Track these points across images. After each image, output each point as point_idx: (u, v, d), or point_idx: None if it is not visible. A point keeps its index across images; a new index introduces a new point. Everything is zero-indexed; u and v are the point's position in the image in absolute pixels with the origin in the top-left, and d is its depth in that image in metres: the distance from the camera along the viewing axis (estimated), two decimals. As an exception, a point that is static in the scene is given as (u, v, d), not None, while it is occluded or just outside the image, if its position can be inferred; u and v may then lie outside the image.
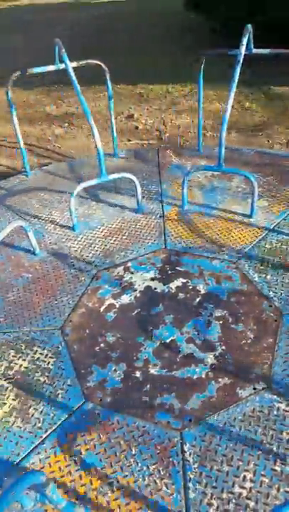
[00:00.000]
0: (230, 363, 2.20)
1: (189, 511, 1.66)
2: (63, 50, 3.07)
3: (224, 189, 3.55)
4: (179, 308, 2.51)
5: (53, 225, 3.30)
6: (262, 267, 2.75)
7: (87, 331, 2.42)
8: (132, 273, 2.79)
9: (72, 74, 3.04)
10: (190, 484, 1.74)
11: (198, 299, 2.56)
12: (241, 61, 3.00)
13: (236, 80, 2.95)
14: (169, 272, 2.77)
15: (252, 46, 3.25)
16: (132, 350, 2.30)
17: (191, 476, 1.76)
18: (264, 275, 2.69)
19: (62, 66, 3.27)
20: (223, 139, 3.00)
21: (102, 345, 2.34)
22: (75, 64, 3.32)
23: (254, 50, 3.28)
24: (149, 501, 1.70)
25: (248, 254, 2.86)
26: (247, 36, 3.03)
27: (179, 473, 1.78)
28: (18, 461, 1.86)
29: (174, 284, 2.67)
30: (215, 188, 3.56)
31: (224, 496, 1.70)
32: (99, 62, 3.65)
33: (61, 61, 3.17)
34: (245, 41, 3.02)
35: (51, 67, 3.41)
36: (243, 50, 3.02)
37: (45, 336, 2.41)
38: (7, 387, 2.16)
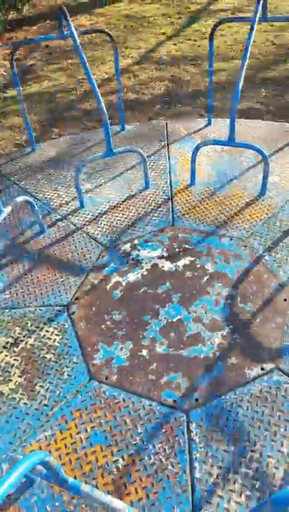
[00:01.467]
0: (238, 342, 2.16)
1: (195, 490, 1.66)
2: (69, 18, 2.93)
3: (234, 164, 3.44)
4: (187, 287, 2.47)
5: (59, 201, 3.24)
6: (272, 245, 2.68)
7: (94, 309, 2.40)
8: (139, 250, 2.74)
9: (78, 43, 2.91)
10: (196, 464, 1.73)
11: (206, 278, 2.51)
12: (255, 28, 2.86)
13: (249, 48, 2.80)
14: (177, 249, 2.71)
15: (267, 13, 3.09)
16: (138, 328, 2.27)
17: (197, 456, 1.76)
18: (274, 253, 2.62)
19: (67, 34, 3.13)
20: (234, 112, 2.87)
21: (108, 323, 2.32)
22: (80, 33, 3.18)
23: (268, 17, 3.12)
24: (154, 479, 1.70)
25: (257, 232, 2.79)
26: (261, 3, 2.87)
27: (184, 452, 1.77)
28: (24, 438, 1.87)
29: (182, 263, 2.62)
30: (225, 163, 3.46)
31: (230, 475, 1.69)
32: (106, 31, 3.50)
33: (66, 29, 3.04)
34: (259, 8, 2.87)
35: (56, 36, 3.27)
36: (257, 16, 2.87)
37: (52, 314, 2.39)
38: (13, 364, 2.16)
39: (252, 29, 2.87)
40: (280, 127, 3.87)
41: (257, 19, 2.90)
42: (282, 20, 3.51)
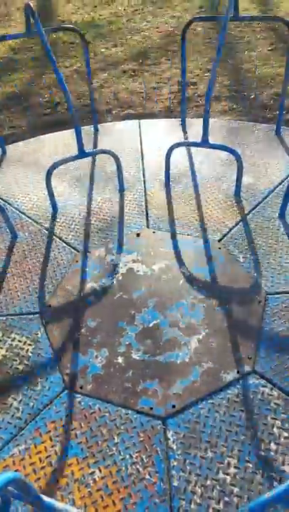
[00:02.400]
0: (214, 346, 2.15)
1: (173, 499, 1.64)
2: (36, 15, 2.86)
3: (209, 165, 3.44)
4: (162, 291, 2.44)
5: (30, 205, 3.16)
6: (247, 247, 2.68)
7: (68, 316, 2.34)
8: (114, 255, 2.70)
9: (46, 41, 2.83)
10: (174, 472, 1.71)
11: (181, 281, 2.49)
12: (227, 27, 2.85)
13: (222, 46, 2.79)
14: (152, 253, 2.69)
15: (238, 12, 3.10)
16: (113, 335, 2.23)
17: (175, 464, 1.73)
18: (249, 255, 2.63)
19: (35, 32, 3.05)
20: (207, 112, 2.87)
21: (82, 330, 2.27)
22: (48, 31, 3.11)
23: (239, 16, 3.13)
24: (132, 490, 1.67)
25: (233, 234, 2.79)
26: (233, 2, 2.87)
27: (162, 460, 1.74)
28: (-4, 453, 1.80)
29: (157, 266, 2.59)
30: (199, 164, 3.45)
31: (208, 482, 1.67)
32: (75, 28, 3.43)
33: (34, 27, 2.95)
34: (232, 7, 2.86)
35: (24, 34, 3.18)
36: (229, 15, 2.86)
37: (23, 322, 2.32)
38: (-16, 376, 2.08)
39: (223, 28, 2.85)
40: (254, 128, 3.89)
41: (229, 17, 2.89)
42: (253, 20, 3.52)
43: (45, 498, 1.34)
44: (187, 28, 3.41)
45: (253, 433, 1.80)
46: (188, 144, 3.25)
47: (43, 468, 1.75)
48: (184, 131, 3.88)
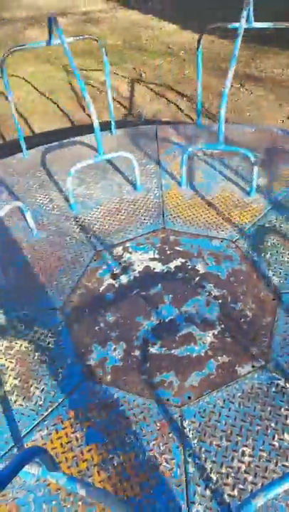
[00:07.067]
0: (228, 341, 2.21)
1: (189, 485, 1.70)
2: (59, 25, 2.98)
3: (224, 167, 3.50)
4: (178, 288, 2.51)
5: (50, 206, 3.27)
6: (261, 246, 2.74)
7: (87, 311, 2.43)
8: (131, 253, 2.78)
9: (68, 50, 2.96)
10: (189, 459, 1.77)
11: (197, 279, 2.56)
12: (241, 34, 2.92)
13: (237, 54, 2.87)
14: (168, 251, 2.76)
15: (252, 19, 3.17)
16: (131, 329, 2.31)
17: (191, 452, 1.79)
18: (263, 254, 2.68)
19: (57, 42, 3.18)
20: (222, 116, 2.94)
21: (101, 324, 2.35)
22: (71, 39, 3.24)
23: (254, 24, 3.20)
24: (149, 476, 1.73)
25: (247, 233, 2.85)
26: (247, 9, 2.94)
27: (178, 448, 1.81)
28: (20, 437, 1.89)
29: (173, 264, 2.67)
30: (214, 166, 3.52)
31: (223, 470, 1.73)
32: (96, 38, 3.55)
33: (56, 36, 3.08)
34: (245, 14, 2.93)
35: (47, 43, 3.32)
36: (243, 23, 2.93)
37: (45, 316, 2.42)
38: (8, 367, 2.18)
39: (238, 35, 2.93)
40: (267, 131, 3.95)
41: (243, 25, 2.96)
42: (268, 27, 3.59)
43: (67, 477, 1.42)
44: (201, 38, 3.50)
45: (267, 424, 1.86)
46: (203, 147, 3.33)
47: (64, 452, 1.83)
48: (200, 135, 3.96)
